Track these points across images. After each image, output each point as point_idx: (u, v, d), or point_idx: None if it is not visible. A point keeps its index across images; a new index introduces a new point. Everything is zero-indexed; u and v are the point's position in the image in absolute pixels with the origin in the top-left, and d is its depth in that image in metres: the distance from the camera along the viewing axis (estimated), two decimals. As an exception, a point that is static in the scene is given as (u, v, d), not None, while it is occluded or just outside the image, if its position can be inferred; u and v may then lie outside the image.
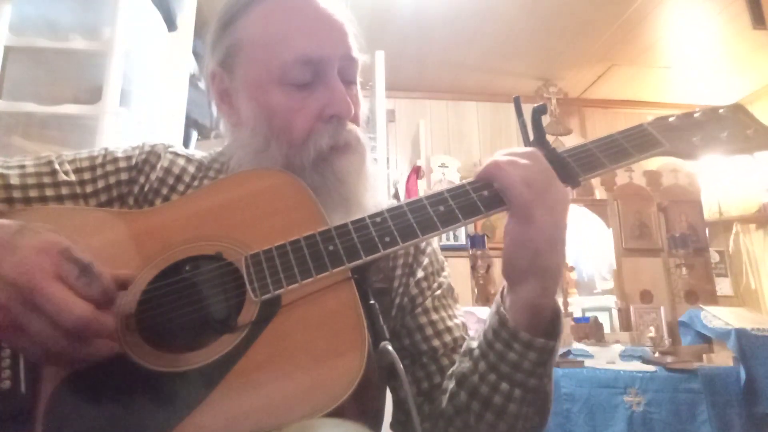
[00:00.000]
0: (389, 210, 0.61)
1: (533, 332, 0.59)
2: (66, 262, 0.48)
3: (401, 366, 0.52)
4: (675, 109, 4.00)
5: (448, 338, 0.74)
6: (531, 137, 0.65)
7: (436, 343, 0.73)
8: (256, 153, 0.70)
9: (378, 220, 0.60)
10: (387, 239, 0.58)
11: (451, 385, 0.67)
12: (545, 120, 3.87)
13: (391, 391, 0.73)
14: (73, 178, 0.73)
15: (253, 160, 0.71)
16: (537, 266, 0.57)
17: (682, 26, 3.09)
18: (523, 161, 0.59)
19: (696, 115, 0.71)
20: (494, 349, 0.61)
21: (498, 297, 0.64)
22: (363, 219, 0.60)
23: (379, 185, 0.74)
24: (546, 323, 0.61)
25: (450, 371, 0.70)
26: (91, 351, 0.48)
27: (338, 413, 0.47)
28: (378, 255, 0.57)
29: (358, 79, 0.75)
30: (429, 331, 0.74)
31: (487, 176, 0.61)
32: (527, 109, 0.64)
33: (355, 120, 0.72)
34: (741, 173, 3.51)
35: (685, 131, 0.69)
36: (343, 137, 0.69)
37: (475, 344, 0.66)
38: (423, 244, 0.81)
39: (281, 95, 0.68)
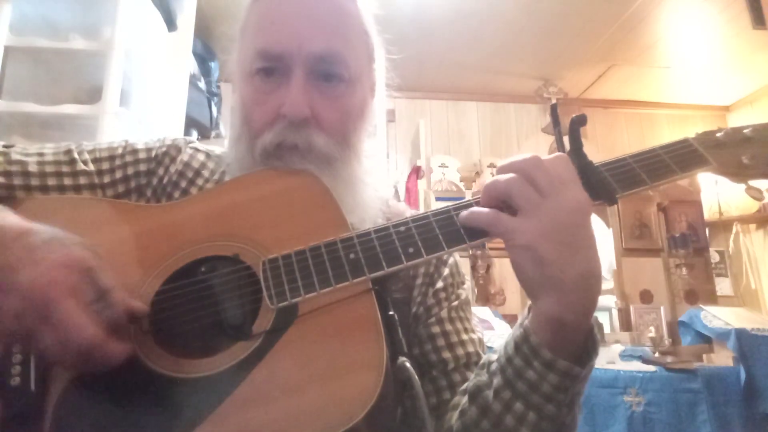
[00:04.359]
0: (414, 219, 0.58)
1: (558, 352, 0.53)
2: (85, 284, 0.47)
3: (419, 383, 0.50)
4: (675, 109, 4.03)
5: (460, 352, 0.70)
6: (567, 148, 0.61)
7: (446, 355, 0.70)
8: (234, 142, 0.71)
9: (402, 229, 0.57)
10: (411, 250, 0.55)
11: (463, 400, 0.62)
12: (544, 119, 3.89)
13: (403, 400, 0.71)
14: (91, 167, 0.72)
15: (232, 149, 0.72)
16: (547, 277, 0.51)
17: (682, 26, 3.09)
18: (524, 165, 0.54)
19: (746, 131, 0.65)
20: (513, 364, 0.56)
21: (525, 309, 0.58)
22: (387, 227, 0.57)
23: (369, 189, 0.72)
24: (576, 345, 0.54)
25: (463, 387, 0.65)
26: (102, 364, 0.47)
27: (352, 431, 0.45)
28: (401, 267, 0.55)
29: (364, 77, 0.73)
30: (441, 341, 0.71)
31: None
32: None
33: (324, 122, 0.66)
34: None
35: (734, 149, 0.63)
36: (290, 138, 0.65)
37: (494, 357, 0.60)
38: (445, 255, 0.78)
39: (249, 86, 0.69)
